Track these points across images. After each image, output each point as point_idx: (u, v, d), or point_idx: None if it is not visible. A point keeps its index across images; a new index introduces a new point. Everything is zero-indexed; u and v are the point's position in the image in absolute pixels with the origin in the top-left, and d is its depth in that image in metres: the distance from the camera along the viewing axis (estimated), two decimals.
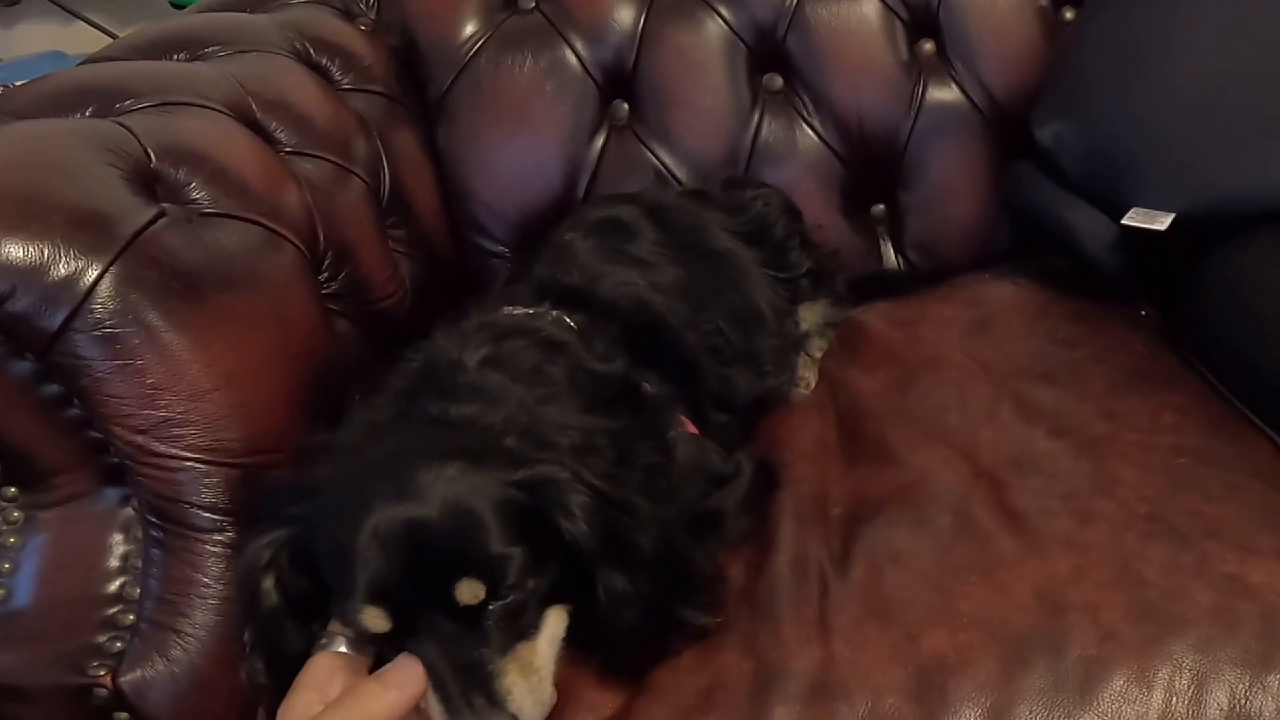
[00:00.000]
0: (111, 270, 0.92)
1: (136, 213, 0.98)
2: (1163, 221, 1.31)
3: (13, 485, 0.96)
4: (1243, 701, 0.88)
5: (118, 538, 0.97)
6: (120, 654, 0.95)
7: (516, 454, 0.90)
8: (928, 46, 1.70)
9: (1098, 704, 0.88)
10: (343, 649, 0.88)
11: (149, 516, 0.96)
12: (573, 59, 1.69)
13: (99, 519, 0.97)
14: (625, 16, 1.70)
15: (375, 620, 0.84)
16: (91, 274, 0.91)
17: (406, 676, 0.84)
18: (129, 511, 0.97)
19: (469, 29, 1.69)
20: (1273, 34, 1.30)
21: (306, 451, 0.99)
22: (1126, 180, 1.37)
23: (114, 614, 0.96)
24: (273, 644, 0.91)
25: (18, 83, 1.99)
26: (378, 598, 0.84)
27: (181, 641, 0.95)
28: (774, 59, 1.71)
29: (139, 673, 0.95)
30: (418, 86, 1.70)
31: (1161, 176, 1.34)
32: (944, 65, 1.69)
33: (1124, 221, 1.34)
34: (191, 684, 0.95)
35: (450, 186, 1.69)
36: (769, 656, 0.95)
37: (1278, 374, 1.15)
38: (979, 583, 0.98)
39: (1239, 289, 1.27)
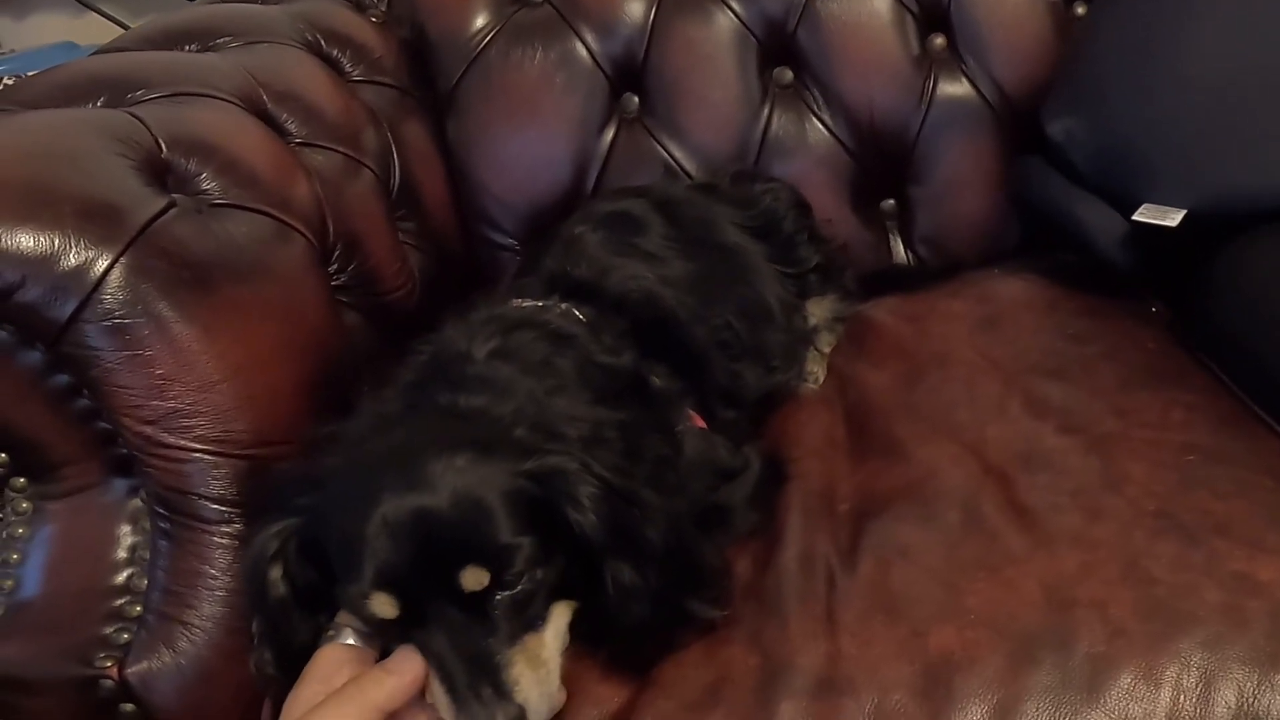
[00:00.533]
0: (121, 261, 0.92)
1: (147, 203, 0.99)
2: (1174, 218, 1.30)
3: (21, 476, 0.96)
4: (1251, 700, 0.87)
5: (125, 529, 0.97)
6: (127, 645, 0.95)
7: (526, 445, 0.90)
8: (939, 41, 1.69)
9: (1105, 701, 0.88)
10: (350, 641, 0.89)
11: (157, 508, 0.96)
12: (583, 52, 1.69)
13: (107, 510, 0.97)
14: (635, 9, 1.70)
15: (384, 606, 0.84)
16: (101, 264, 0.91)
17: (407, 664, 0.85)
18: (137, 503, 0.97)
19: (479, 21, 1.70)
20: None
21: (315, 443, 0.99)
22: (1138, 176, 1.37)
23: (121, 605, 0.96)
24: (280, 635, 0.91)
25: (30, 73, 2.00)
26: (386, 584, 0.84)
27: (188, 633, 0.95)
28: (784, 53, 1.71)
29: (145, 664, 0.95)
30: (428, 78, 1.70)
31: (1173, 172, 1.34)
32: (955, 60, 1.69)
33: (1135, 217, 1.34)
34: (198, 676, 0.96)
35: (460, 179, 1.69)
36: (775, 651, 0.95)
37: None
38: (987, 579, 0.98)
39: (1250, 286, 1.26)
